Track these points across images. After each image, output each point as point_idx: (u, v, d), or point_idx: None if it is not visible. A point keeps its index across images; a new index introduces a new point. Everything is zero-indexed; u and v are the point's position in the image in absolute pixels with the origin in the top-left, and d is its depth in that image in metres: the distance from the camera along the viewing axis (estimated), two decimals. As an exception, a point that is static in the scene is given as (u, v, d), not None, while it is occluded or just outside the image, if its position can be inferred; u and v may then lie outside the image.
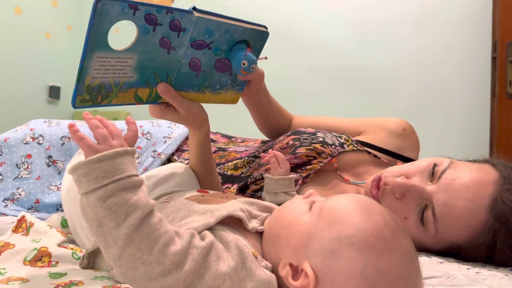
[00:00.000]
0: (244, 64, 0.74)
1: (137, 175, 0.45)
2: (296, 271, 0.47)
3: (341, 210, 0.48)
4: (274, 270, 0.50)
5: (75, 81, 0.61)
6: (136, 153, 0.46)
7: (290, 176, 0.76)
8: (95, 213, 0.43)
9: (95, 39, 0.59)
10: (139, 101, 0.71)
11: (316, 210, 0.50)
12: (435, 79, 2.28)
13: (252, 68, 0.75)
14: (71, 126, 0.47)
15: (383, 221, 0.47)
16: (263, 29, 0.78)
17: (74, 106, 0.63)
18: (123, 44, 0.63)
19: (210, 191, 0.70)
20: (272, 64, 0.84)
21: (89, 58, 0.60)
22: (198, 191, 0.68)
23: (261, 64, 0.81)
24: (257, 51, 0.81)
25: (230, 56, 0.76)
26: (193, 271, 0.44)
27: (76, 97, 0.62)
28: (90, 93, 0.63)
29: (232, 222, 0.53)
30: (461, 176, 0.72)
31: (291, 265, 0.48)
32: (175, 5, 2.77)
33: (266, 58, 0.83)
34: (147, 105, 0.76)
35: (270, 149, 0.84)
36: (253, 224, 0.54)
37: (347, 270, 0.44)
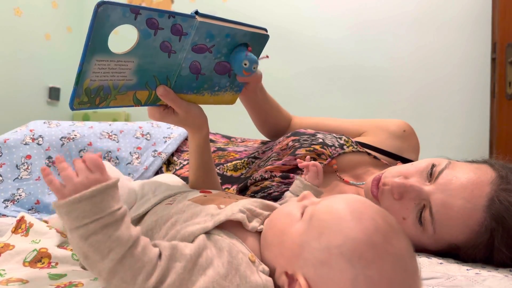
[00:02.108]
0: (245, 64, 0.74)
1: (118, 209, 0.45)
2: (292, 279, 0.47)
3: (330, 217, 0.47)
4: (272, 274, 0.50)
5: (74, 84, 0.60)
6: (118, 181, 0.47)
7: (319, 189, 0.77)
8: (80, 247, 0.43)
9: (95, 43, 0.59)
10: (137, 103, 0.71)
11: (307, 217, 0.49)
12: (434, 80, 2.28)
13: (254, 68, 0.75)
14: (43, 170, 0.46)
15: (373, 225, 0.45)
16: (263, 31, 0.79)
17: (72, 108, 0.63)
18: (121, 45, 0.63)
19: (213, 191, 0.70)
20: (271, 65, 0.84)
21: (89, 61, 0.59)
22: (201, 192, 0.68)
23: (259, 64, 0.81)
24: (257, 53, 0.81)
25: (230, 58, 0.76)
26: (177, 285, 0.44)
27: (74, 99, 0.62)
28: (88, 96, 0.63)
29: (232, 224, 0.53)
30: (459, 176, 0.72)
31: (286, 273, 0.48)
32: (175, 5, 2.78)
33: (267, 56, 0.83)
34: (146, 107, 0.76)
35: (308, 157, 0.85)
36: (253, 224, 0.54)
37: (338, 281, 0.43)
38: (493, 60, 2.09)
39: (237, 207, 0.55)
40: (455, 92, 2.25)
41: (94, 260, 0.43)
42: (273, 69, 2.34)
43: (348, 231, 0.45)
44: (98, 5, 0.56)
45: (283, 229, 0.51)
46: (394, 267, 0.44)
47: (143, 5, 2.83)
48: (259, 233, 0.54)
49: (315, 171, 0.76)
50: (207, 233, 0.50)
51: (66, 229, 0.44)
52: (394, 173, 0.79)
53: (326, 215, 0.48)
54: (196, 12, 0.67)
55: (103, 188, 0.44)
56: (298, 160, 0.80)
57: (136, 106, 0.71)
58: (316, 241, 0.46)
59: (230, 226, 0.53)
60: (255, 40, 0.78)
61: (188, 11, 0.68)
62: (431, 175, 0.75)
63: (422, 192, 0.74)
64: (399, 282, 0.44)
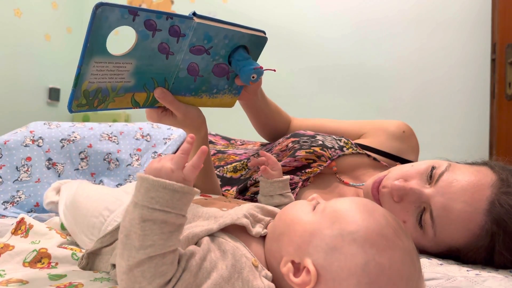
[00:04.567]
0: (253, 77, 0.75)
1: (183, 216, 0.45)
2: (297, 269, 0.47)
3: (344, 209, 0.49)
4: (275, 278, 0.50)
5: (72, 86, 0.60)
6: (198, 194, 0.47)
7: (285, 177, 0.76)
8: (131, 224, 0.43)
9: (94, 45, 0.59)
10: (136, 105, 0.71)
11: (319, 210, 0.51)
12: (434, 80, 2.29)
13: (259, 78, 0.77)
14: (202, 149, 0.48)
15: (384, 220, 0.47)
16: (262, 34, 0.79)
17: (70, 111, 0.63)
18: (121, 47, 0.63)
19: (213, 196, 0.70)
20: (270, 65, 0.84)
21: (87, 63, 0.59)
22: (201, 195, 0.68)
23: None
24: (255, 56, 0.81)
25: (236, 66, 0.76)
26: None
27: (73, 102, 0.62)
28: (86, 98, 0.63)
29: (236, 228, 0.53)
30: (459, 179, 0.72)
31: (293, 262, 0.48)
32: (175, 6, 2.78)
33: (275, 70, 0.85)
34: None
35: (261, 152, 0.85)
36: (257, 229, 0.54)
37: (349, 266, 0.44)
38: (493, 60, 2.09)
39: (241, 211, 0.55)
40: (455, 92, 2.25)
41: (132, 244, 0.43)
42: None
43: (361, 220, 0.47)
44: (97, 6, 0.56)
45: (294, 218, 0.52)
46: (403, 259, 0.45)
47: (143, 6, 2.83)
48: (261, 238, 0.55)
49: (264, 169, 0.75)
50: (211, 235, 0.51)
51: (131, 201, 0.44)
52: (394, 175, 0.79)
53: (339, 208, 0.50)
54: (194, 14, 0.67)
55: (188, 190, 0.45)
56: (251, 158, 0.80)
57: (134, 108, 0.71)
58: (328, 228, 0.47)
59: (233, 230, 0.53)
60: (253, 42, 0.78)
61: (188, 11, 0.68)
62: (431, 177, 0.75)
63: (422, 195, 0.73)
64: (407, 274, 0.45)
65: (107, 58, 0.61)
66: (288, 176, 0.77)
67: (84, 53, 0.58)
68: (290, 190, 0.77)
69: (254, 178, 0.95)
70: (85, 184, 0.87)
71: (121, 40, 0.81)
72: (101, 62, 0.61)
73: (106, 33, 0.59)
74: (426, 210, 0.73)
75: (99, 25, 0.57)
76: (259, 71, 0.75)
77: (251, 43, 0.77)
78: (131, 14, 0.59)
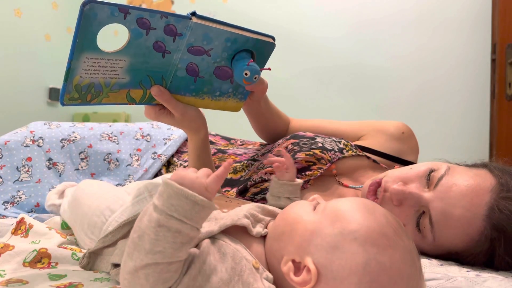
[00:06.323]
0: (246, 74, 0.72)
1: (198, 229, 0.45)
2: (298, 268, 0.47)
3: (344, 208, 0.49)
4: (276, 278, 0.50)
5: (63, 80, 0.61)
6: (215, 209, 0.47)
7: (297, 182, 0.74)
8: (147, 227, 0.43)
9: (83, 41, 0.59)
10: (131, 101, 0.71)
11: (320, 209, 0.51)
12: (434, 81, 2.28)
13: (255, 78, 0.73)
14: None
15: (385, 219, 0.48)
16: (269, 39, 0.76)
17: (62, 104, 0.63)
18: (120, 45, 0.63)
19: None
20: (269, 64, 0.83)
21: (77, 58, 0.60)
22: None
23: (263, 73, 0.80)
24: (262, 62, 0.79)
25: (232, 65, 0.74)
26: None
27: (64, 95, 0.62)
28: (78, 92, 0.63)
29: (236, 229, 0.53)
30: (458, 184, 0.71)
31: (293, 261, 0.48)
32: (175, 7, 2.78)
33: (269, 69, 0.81)
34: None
35: (276, 150, 0.82)
36: (257, 229, 0.54)
37: (350, 265, 0.44)
38: (493, 61, 2.09)
39: (241, 212, 0.55)
40: (455, 92, 2.25)
41: (142, 246, 0.43)
42: (272, 69, 2.34)
43: (362, 219, 0.47)
44: (84, 4, 0.56)
45: (295, 217, 0.52)
46: (404, 258, 0.45)
47: (143, 6, 2.83)
48: (262, 238, 0.55)
49: (279, 167, 0.73)
50: (211, 237, 0.50)
51: (151, 203, 0.44)
52: (394, 178, 0.79)
53: (340, 207, 0.50)
54: (194, 13, 0.67)
55: (208, 205, 0.44)
56: (269, 155, 0.76)
57: (130, 104, 0.71)
58: (329, 227, 0.47)
59: (233, 231, 0.53)
60: (260, 47, 0.76)
61: (188, 12, 0.67)
62: (429, 181, 0.75)
63: (421, 199, 0.73)
64: (407, 273, 0.45)
65: (99, 55, 0.61)
66: (300, 181, 0.74)
67: (74, 48, 0.58)
68: (299, 196, 0.75)
69: (253, 179, 0.95)
70: (87, 180, 0.87)
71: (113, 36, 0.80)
72: (92, 58, 0.61)
73: (96, 30, 0.59)
74: (425, 214, 0.73)
75: (88, 22, 0.57)
76: (252, 68, 0.72)
77: (256, 48, 0.75)
78: (122, 12, 0.59)
